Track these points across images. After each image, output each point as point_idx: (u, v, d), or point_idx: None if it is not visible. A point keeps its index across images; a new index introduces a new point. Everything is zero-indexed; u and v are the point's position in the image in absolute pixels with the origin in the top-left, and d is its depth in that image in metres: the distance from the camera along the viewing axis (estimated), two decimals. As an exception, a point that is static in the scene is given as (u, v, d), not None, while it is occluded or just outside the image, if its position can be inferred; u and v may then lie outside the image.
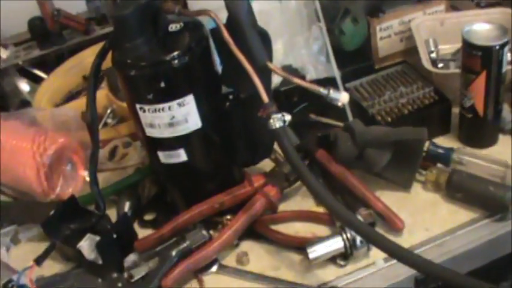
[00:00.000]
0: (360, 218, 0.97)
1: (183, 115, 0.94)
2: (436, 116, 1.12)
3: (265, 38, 0.95)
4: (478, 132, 1.09)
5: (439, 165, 1.06)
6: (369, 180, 1.05)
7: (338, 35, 1.18)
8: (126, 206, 1.09)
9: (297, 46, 1.17)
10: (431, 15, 1.26)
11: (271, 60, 0.97)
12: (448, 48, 1.25)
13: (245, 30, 0.90)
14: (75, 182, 1.15)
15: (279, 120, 0.88)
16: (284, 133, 0.88)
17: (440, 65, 1.20)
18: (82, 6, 1.51)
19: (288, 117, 0.88)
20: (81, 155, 1.15)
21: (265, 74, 0.94)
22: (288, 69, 1.16)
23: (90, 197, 1.08)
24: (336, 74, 1.12)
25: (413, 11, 1.26)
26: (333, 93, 0.94)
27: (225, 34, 0.88)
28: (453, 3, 1.32)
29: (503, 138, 1.12)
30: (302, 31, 1.19)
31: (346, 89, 1.14)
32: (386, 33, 1.25)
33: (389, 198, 1.03)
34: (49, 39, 1.40)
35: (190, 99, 0.94)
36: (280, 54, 1.16)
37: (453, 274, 0.83)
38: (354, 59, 1.23)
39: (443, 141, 1.11)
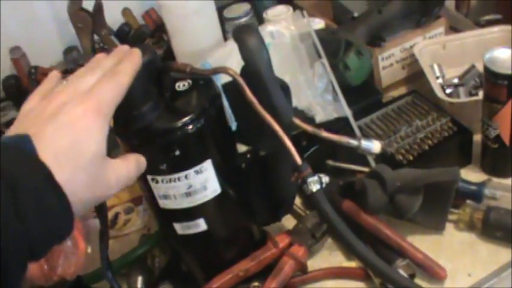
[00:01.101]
0: (400, 271, 0.88)
1: (201, 183, 0.82)
2: (457, 148, 1.03)
3: (286, 91, 0.85)
4: (504, 162, 1.01)
5: (468, 201, 0.98)
6: (397, 225, 0.96)
7: (343, 70, 1.08)
8: (139, 282, 0.97)
9: (300, 86, 1.07)
10: (432, 39, 1.18)
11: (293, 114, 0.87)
12: (453, 71, 1.16)
13: (268, 86, 0.79)
14: (76, 257, 1.01)
15: (316, 183, 0.77)
16: (323, 197, 0.77)
17: (448, 91, 1.12)
18: (58, 57, 1.38)
19: (326, 179, 0.78)
20: (79, 227, 1.01)
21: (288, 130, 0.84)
22: (294, 112, 1.06)
23: (97, 274, 0.96)
24: (348, 112, 1.02)
25: (414, 36, 1.17)
26: (364, 143, 0.84)
27: (249, 94, 0.77)
28: (452, 24, 1.24)
29: (527, 166, 1.05)
30: (303, 69, 1.08)
31: (360, 128, 1.04)
32: (388, 62, 1.16)
33: (423, 243, 0.94)
34: (25, 98, 1.25)
35: (208, 165, 0.82)
36: (284, 96, 1.05)
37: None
38: (360, 94, 1.13)
39: (466, 173, 1.02)
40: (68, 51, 1.32)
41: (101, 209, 0.86)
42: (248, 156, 0.90)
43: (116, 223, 1.06)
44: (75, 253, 1.02)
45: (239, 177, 0.90)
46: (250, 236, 0.96)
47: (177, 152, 0.80)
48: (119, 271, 0.99)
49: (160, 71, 0.82)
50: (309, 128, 0.83)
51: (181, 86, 0.83)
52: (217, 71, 0.80)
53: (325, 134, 0.83)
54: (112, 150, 1.16)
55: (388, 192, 0.91)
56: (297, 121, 0.82)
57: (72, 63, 1.31)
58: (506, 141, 0.98)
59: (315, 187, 0.77)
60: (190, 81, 0.84)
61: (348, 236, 0.78)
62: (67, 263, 1.01)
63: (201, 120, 0.80)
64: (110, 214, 1.06)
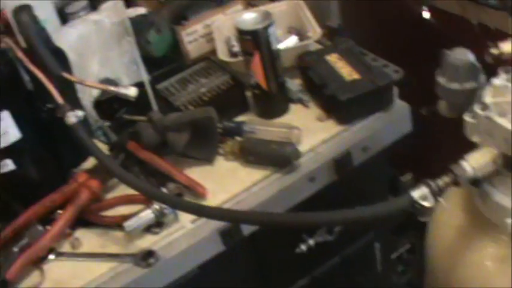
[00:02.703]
0: (166, 190, 1.26)
1: (3, 129, 1.21)
2: (233, 98, 1.43)
3: (59, 54, 1.25)
4: (268, 105, 1.40)
5: (238, 138, 1.37)
6: (181, 162, 1.34)
7: (145, 45, 1.49)
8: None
9: (111, 60, 1.47)
10: (230, 15, 1.58)
11: (69, 71, 1.26)
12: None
13: (37, 48, 1.20)
14: None
15: (73, 116, 1.17)
16: (79, 126, 1.17)
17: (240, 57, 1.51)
18: None
19: (81, 113, 1.18)
20: None
21: (67, 84, 1.24)
22: (106, 81, 1.45)
23: None
24: (144, 78, 1.42)
25: (214, 14, 1.57)
26: (122, 89, 1.24)
27: (19, 54, 1.18)
28: (252, 2, 1.64)
29: (294, 107, 1.43)
30: (116, 46, 1.49)
31: (157, 90, 1.44)
32: (193, 37, 1.56)
33: (197, 173, 1.32)
34: None
35: (6, 115, 1.21)
36: (97, 69, 1.45)
37: (247, 213, 1.13)
38: (164, 63, 1.54)
39: (244, 118, 1.41)
40: None
41: None
42: (45, 109, 1.30)
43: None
44: None
45: (42, 125, 1.29)
46: (59, 176, 1.35)
47: (-20, 105, 1.21)
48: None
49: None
50: (75, 79, 1.23)
51: (-18, 56, 1.25)
52: (-1, 40, 1.21)
53: (88, 83, 1.23)
54: None
55: (158, 131, 1.30)
56: (66, 75, 1.22)
57: None
58: (264, 86, 1.37)
59: (72, 119, 1.17)
60: (-10, 55, 1.25)
61: (99, 154, 1.17)
62: None
63: (-6, 81, 1.21)
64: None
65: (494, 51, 0.99)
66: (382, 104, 1.36)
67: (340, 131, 1.35)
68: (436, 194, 0.96)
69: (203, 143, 1.32)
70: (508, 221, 1.02)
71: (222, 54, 1.46)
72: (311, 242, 1.42)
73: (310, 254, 1.44)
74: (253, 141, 1.31)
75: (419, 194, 0.96)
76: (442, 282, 1.17)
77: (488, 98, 1.02)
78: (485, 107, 1.00)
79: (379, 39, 1.73)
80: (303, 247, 1.42)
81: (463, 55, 1.09)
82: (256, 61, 1.33)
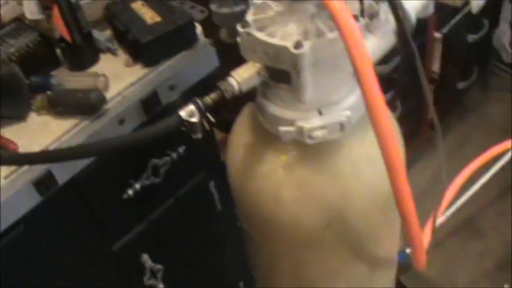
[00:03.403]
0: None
1: None
2: (42, 55, 1.46)
3: None
4: (76, 57, 1.45)
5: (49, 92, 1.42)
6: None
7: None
8: None
9: None
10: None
11: None
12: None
13: None
14: None
15: None
16: None
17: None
18: None
19: None
20: None
21: None
22: None
23: None
24: None
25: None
26: None
27: None
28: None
29: (104, 57, 1.49)
30: None
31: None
32: (3, 1, 1.59)
33: (11, 131, 1.36)
34: None
35: None
36: None
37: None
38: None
39: (59, 74, 1.46)
40: None
41: None
42: None
43: None
44: None
45: None
46: None
47: None
48: None
49: None
50: None
51: None
52: None
53: None
54: None
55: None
56: None
57: None
58: (68, 38, 1.41)
59: None
60: None
61: None
62: None
63: None
64: None
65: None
66: (185, 42, 1.44)
67: (146, 73, 1.42)
68: (202, 110, 1.04)
69: (12, 101, 1.37)
70: (281, 129, 1.11)
71: (29, 13, 1.50)
72: (137, 186, 1.49)
73: (141, 198, 1.51)
74: (60, 93, 1.36)
75: (187, 111, 1.04)
76: (240, 198, 1.26)
77: (249, 16, 1.11)
78: (245, 24, 1.08)
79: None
80: (130, 192, 1.48)
81: (230, -20, 1.17)
82: (56, 14, 1.38)
